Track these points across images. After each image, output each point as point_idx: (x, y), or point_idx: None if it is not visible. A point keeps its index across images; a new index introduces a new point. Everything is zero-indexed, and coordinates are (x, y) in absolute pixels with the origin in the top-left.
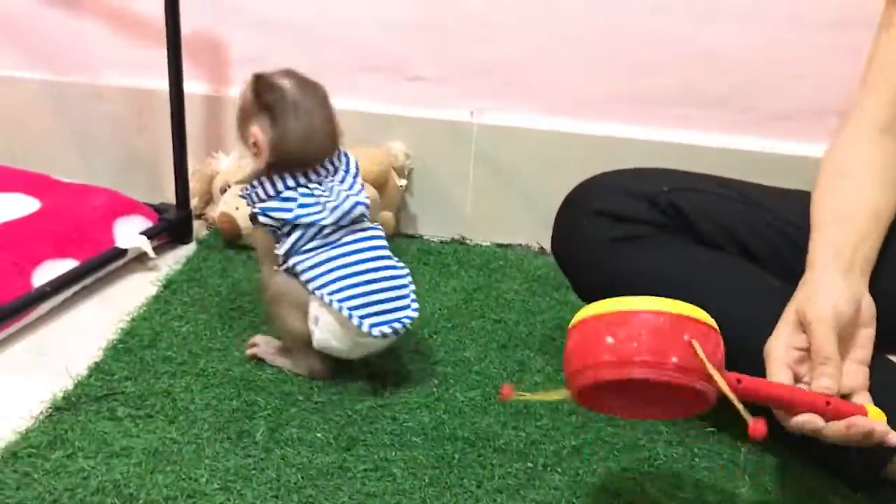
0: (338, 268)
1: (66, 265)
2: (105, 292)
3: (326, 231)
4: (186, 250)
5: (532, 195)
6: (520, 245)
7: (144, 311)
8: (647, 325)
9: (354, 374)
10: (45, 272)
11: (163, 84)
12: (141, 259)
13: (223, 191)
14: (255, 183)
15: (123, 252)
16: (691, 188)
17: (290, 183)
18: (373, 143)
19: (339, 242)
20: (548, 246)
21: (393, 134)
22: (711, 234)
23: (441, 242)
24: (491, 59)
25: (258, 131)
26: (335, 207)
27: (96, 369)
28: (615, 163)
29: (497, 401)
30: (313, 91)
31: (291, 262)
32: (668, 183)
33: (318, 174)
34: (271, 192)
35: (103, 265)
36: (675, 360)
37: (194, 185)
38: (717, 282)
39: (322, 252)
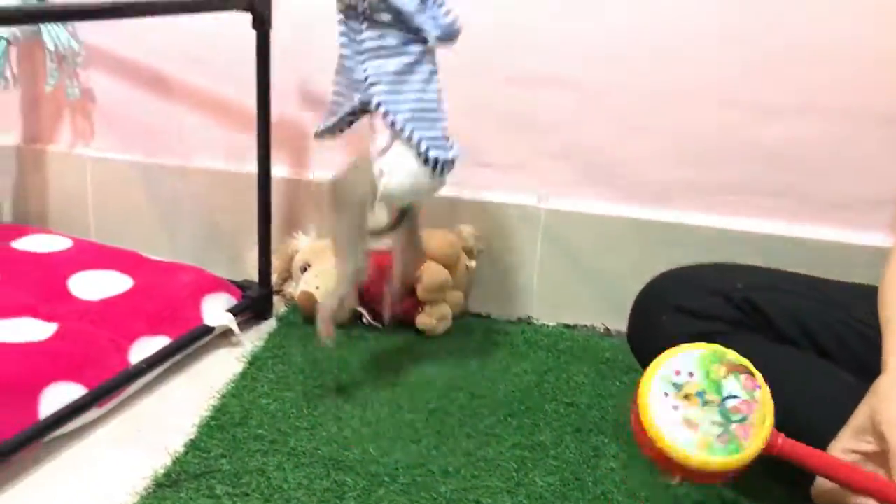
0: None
1: (159, 342)
2: (194, 368)
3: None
4: (267, 326)
5: (597, 277)
6: (585, 326)
7: (233, 387)
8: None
9: (436, 457)
10: (141, 349)
11: (247, 166)
12: (226, 335)
13: (303, 269)
14: None
15: (211, 329)
16: (765, 286)
17: None
18: (444, 225)
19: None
20: (613, 326)
21: (463, 216)
22: (786, 331)
23: (509, 322)
24: (559, 148)
25: None
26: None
27: (192, 446)
28: (678, 248)
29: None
30: None
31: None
32: (743, 280)
33: None
34: None
35: (193, 342)
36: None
37: (275, 262)
38: (792, 379)
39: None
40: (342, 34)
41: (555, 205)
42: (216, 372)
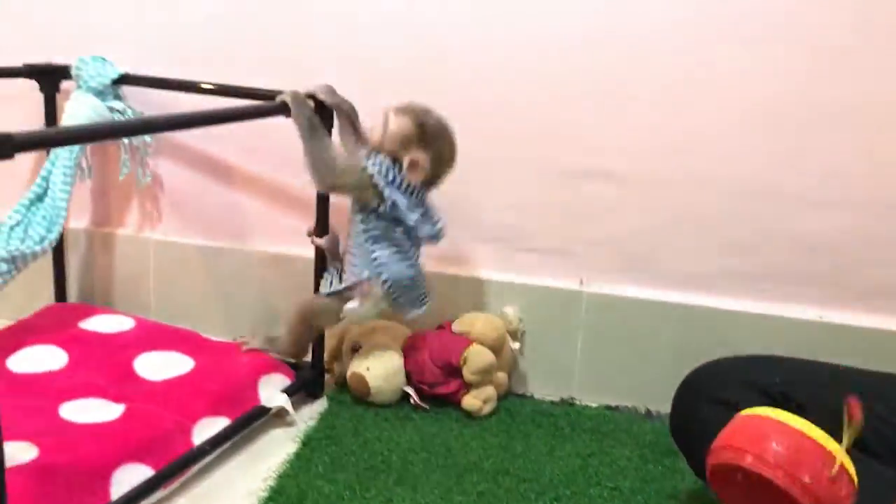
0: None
1: (220, 423)
2: (250, 448)
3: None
4: (319, 405)
5: (639, 360)
6: (627, 407)
7: (288, 468)
8: (802, 443)
9: None
10: (202, 430)
11: (301, 250)
12: (280, 414)
13: (353, 350)
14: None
15: (267, 410)
16: (801, 379)
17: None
18: (489, 308)
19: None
20: (655, 408)
21: (507, 299)
22: (822, 425)
23: (552, 403)
24: (601, 235)
25: (420, 156)
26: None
27: None
28: (718, 333)
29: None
30: (449, 126)
31: (375, 247)
32: (780, 373)
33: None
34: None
35: (250, 422)
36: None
37: (325, 342)
38: None
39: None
40: (358, 221)
41: (597, 289)
42: (272, 452)
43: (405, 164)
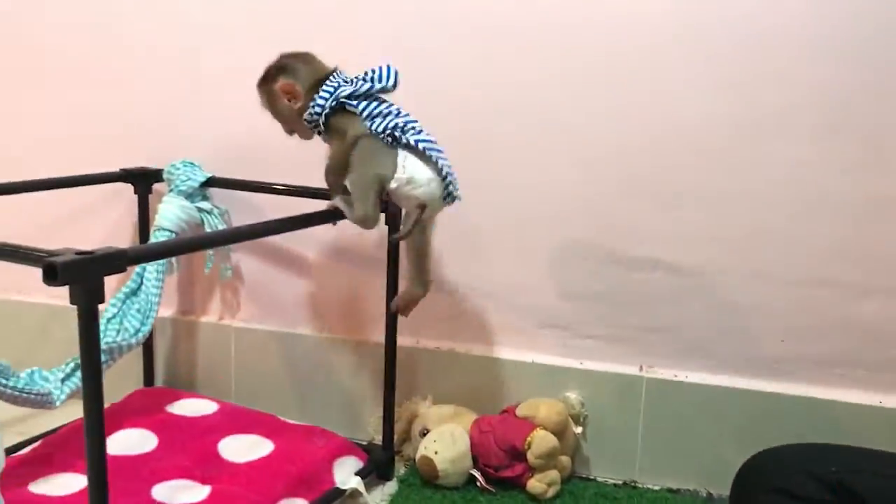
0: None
1: None
2: None
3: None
4: (389, 487)
5: (700, 444)
6: (688, 490)
7: None
8: None
9: None
10: None
11: (373, 336)
12: (353, 495)
13: (422, 434)
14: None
15: (342, 492)
16: (860, 468)
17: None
18: (552, 393)
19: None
20: (716, 492)
21: (568, 384)
22: None
23: (615, 486)
24: (660, 322)
25: (282, 82)
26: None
27: None
28: (777, 418)
29: None
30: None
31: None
32: (838, 462)
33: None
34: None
35: None
36: None
37: (395, 424)
38: None
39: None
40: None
41: (657, 374)
42: None
43: (279, 98)
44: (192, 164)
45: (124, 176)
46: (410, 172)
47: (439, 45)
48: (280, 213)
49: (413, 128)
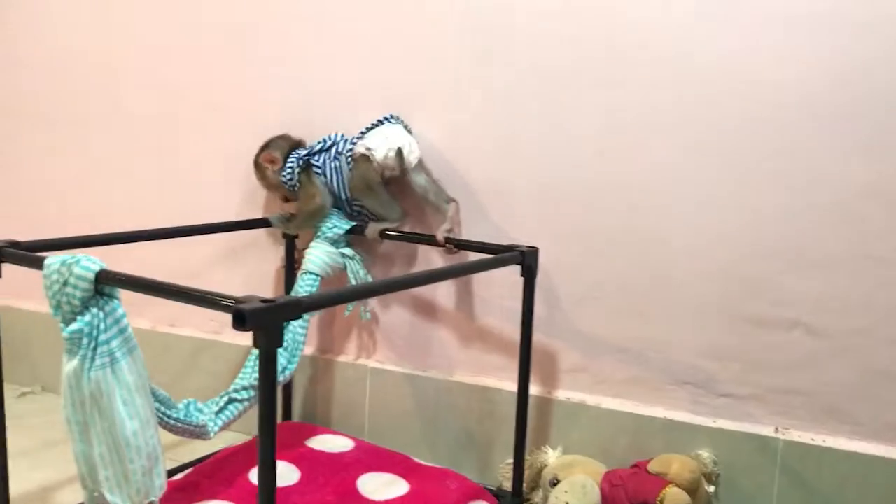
0: None
1: None
2: None
3: None
4: None
5: None
6: None
7: None
8: None
9: None
10: None
11: (503, 383)
12: None
13: (552, 483)
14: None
15: None
16: None
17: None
18: (684, 450)
19: None
20: None
21: (700, 442)
22: None
23: None
24: (798, 384)
25: (265, 155)
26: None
27: None
28: None
29: None
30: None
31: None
32: None
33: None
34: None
35: None
36: None
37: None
38: None
39: None
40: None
41: (794, 436)
42: None
43: (265, 168)
44: (338, 212)
45: (259, 223)
46: (377, 151)
47: (586, 128)
48: (406, 258)
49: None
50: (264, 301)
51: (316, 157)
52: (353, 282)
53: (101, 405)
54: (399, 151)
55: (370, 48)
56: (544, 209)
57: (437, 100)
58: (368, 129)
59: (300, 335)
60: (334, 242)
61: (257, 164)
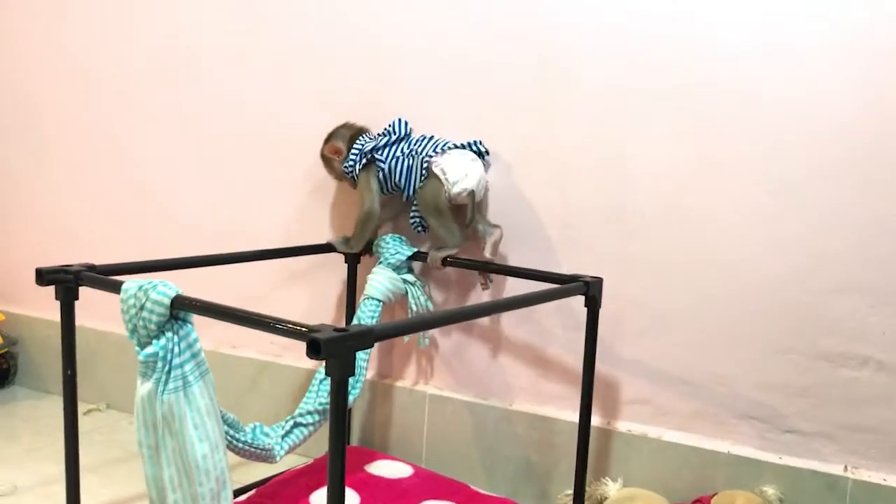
0: None
1: None
2: None
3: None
4: None
5: None
6: None
7: None
8: None
9: None
10: None
11: (563, 413)
12: None
13: None
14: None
15: None
16: None
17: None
18: (747, 485)
19: None
20: None
21: (765, 478)
22: None
23: None
24: (867, 423)
25: (330, 146)
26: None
27: None
28: None
29: None
30: None
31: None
32: None
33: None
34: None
35: None
36: None
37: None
38: None
39: None
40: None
41: (864, 476)
42: None
43: (332, 160)
44: (400, 238)
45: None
46: (453, 183)
47: (664, 164)
48: (464, 283)
49: (425, 146)
50: (337, 330)
51: (380, 152)
52: (414, 308)
53: (172, 428)
54: (472, 194)
55: (458, 69)
56: (609, 238)
57: (508, 123)
58: (452, 148)
59: (363, 360)
60: (396, 268)
61: (324, 157)
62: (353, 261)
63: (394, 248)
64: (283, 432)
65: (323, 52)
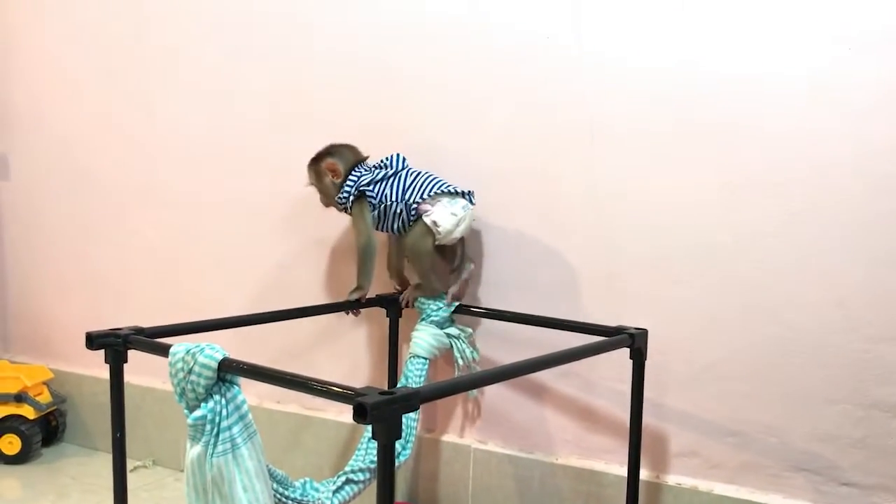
0: None
1: None
2: None
3: None
4: None
5: None
6: None
7: None
8: None
9: None
10: None
11: (611, 467)
12: None
13: None
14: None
15: None
16: None
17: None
18: None
19: None
20: None
21: None
22: None
23: None
24: None
25: (328, 161)
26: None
27: None
28: None
29: None
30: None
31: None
32: None
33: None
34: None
35: None
36: None
37: None
38: None
39: None
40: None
41: None
42: None
43: (325, 175)
44: (442, 294)
45: (378, 301)
46: (442, 228)
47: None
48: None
49: (417, 190)
50: (383, 393)
51: (371, 188)
52: (460, 361)
53: (222, 491)
54: (462, 241)
55: (502, 115)
56: (653, 286)
57: (545, 169)
58: (441, 192)
59: (413, 419)
60: (439, 324)
61: (317, 168)
62: (394, 314)
63: (435, 304)
64: (334, 488)
65: (364, 108)
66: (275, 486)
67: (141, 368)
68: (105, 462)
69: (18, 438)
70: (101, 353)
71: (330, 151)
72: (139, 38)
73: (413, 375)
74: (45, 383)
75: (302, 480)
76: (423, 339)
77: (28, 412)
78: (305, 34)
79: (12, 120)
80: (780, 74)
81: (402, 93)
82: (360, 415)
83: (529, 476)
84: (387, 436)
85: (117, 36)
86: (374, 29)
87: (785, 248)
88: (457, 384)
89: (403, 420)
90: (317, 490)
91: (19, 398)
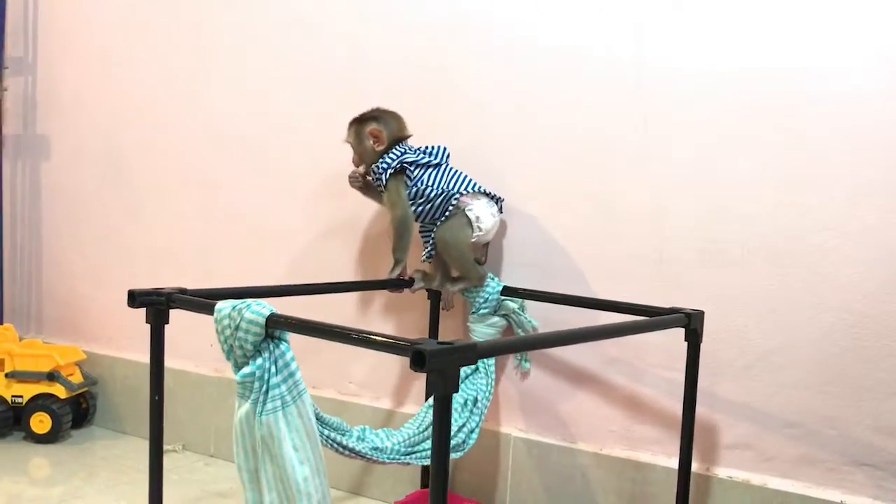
0: None
1: None
2: None
3: None
4: None
5: None
6: None
7: None
8: None
9: None
10: None
11: (658, 459)
12: None
13: None
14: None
15: None
16: None
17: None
18: None
19: None
20: None
21: None
22: None
23: None
24: None
25: (373, 127)
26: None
27: None
28: None
29: None
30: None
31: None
32: None
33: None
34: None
35: None
36: None
37: None
38: None
39: None
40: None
41: None
42: None
43: (367, 139)
44: (491, 276)
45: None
46: (482, 226)
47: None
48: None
49: (459, 183)
50: (441, 343)
51: (413, 169)
52: (520, 332)
53: (272, 451)
54: (486, 247)
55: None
56: (708, 271)
57: (600, 159)
58: (480, 192)
59: (482, 406)
60: (493, 310)
61: (359, 130)
62: (435, 300)
63: (480, 296)
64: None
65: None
66: (332, 433)
67: (172, 351)
68: (135, 445)
69: (49, 417)
70: (133, 336)
71: (376, 116)
72: (179, 22)
73: (480, 370)
74: (77, 364)
75: (361, 427)
76: (480, 333)
77: (60, 391)
78: (353, 26)
79: (53, 102)
80: (847, 64)
81: (452, 90)
82: (418, 363)
83: (572, 467)
84: (444, 387)
85: (157, 20)
86: (428, 29)
87: (847, 237)
88: (514, 343)
89: (470, 412)
90: (377, 435)
91: (51, 377)
